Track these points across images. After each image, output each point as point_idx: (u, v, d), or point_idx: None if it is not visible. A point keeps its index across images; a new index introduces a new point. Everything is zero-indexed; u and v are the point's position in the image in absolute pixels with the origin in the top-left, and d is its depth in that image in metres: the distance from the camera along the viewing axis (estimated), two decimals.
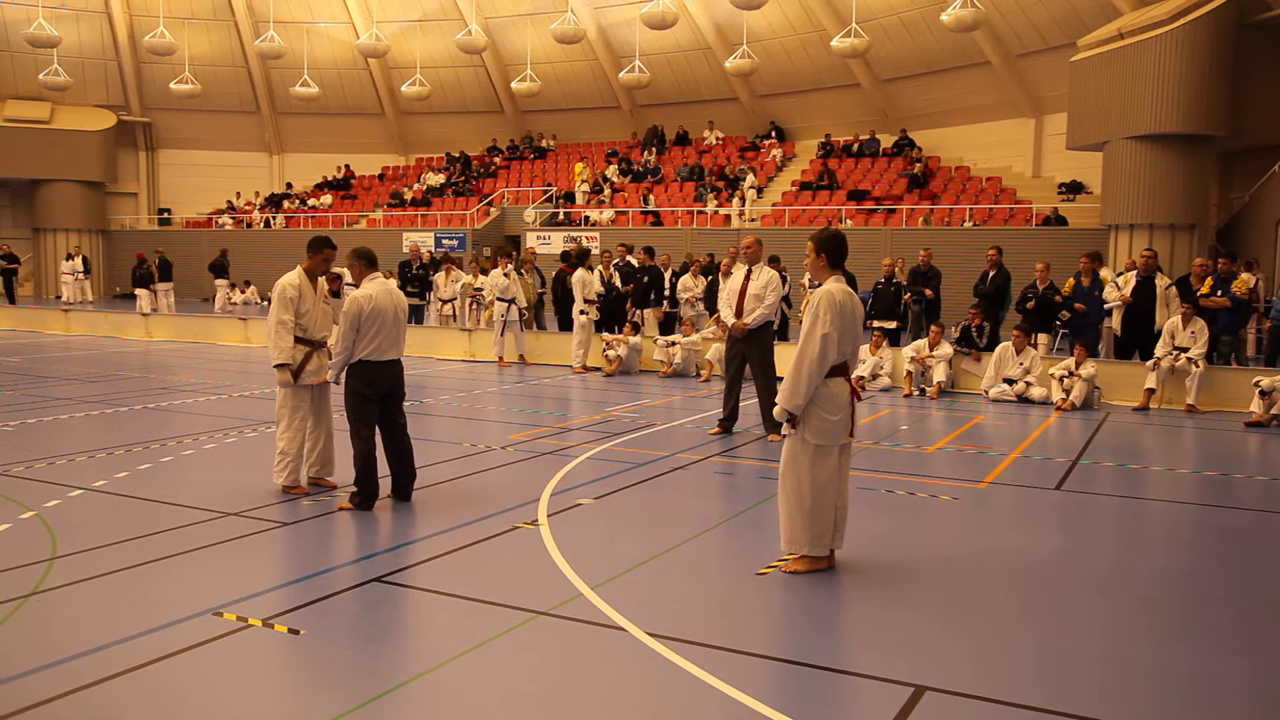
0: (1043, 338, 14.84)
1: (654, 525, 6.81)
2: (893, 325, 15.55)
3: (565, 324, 17.49)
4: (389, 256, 31.31)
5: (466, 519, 6.77)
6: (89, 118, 38.99)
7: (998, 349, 13.36)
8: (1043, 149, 29.53)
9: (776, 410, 5.75)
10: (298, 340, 7.42)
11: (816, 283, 5.95)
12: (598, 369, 15.68)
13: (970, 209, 27.03)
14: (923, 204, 27.85)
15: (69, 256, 33.58)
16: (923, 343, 13.89)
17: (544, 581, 5.51)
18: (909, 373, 13.57)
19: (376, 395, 6.99)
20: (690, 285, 17.80)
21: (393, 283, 7.18)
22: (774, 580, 5.61)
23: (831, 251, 5.82)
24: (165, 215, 41.28)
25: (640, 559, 5.95)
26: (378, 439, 7.16)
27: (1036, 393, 12.81)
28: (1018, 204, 27.07)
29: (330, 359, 7.62)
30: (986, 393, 13.21)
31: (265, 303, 32.55)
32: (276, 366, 7.37)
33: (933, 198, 28.33)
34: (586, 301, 15.71)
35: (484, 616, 4.99)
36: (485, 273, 19.24)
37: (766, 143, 34.54)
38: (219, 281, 30.09)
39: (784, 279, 15.35)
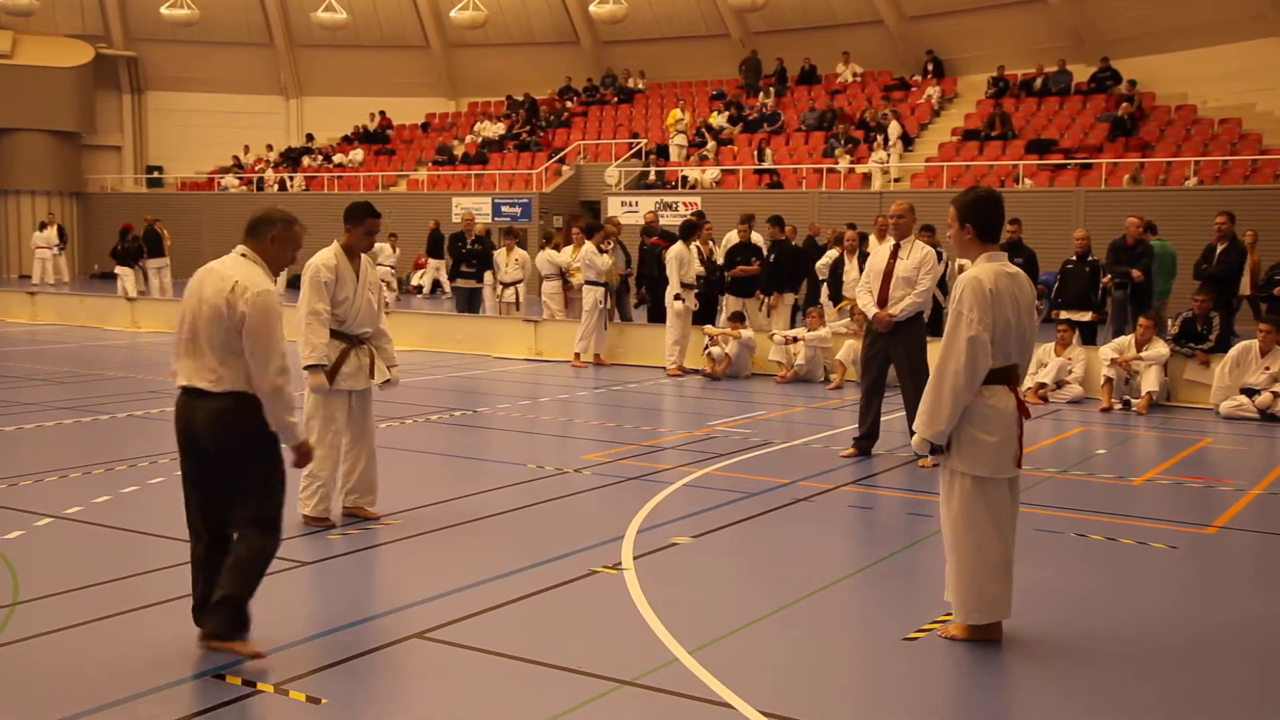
0: None
1: (770, 573, 6.80)
2: (1087, 317, 15.25)
3: (655, 313, 17.56)
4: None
5: (531, 560, 6.84)
6: (60, 51, 40.26)
7: (1233, 349, 13.02)
8: None
9: (915, 440, 5.64)
10: (333, 335, 7.54)
11: (963, 263, 5.79)
12: (698, 371, 15.72)
13: (1196, 162, 26.35)
14: (1130, 156, 27.24)
15: (42, 226, 34.74)
16: (1128, 340, 13.60)
17: (629, 642, 5.54)
18: (1108, 380, 13.31)
19: (181, 443, 5.42)
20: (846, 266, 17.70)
21: (245, 272, 5.33)
22: (927, 648, 5.56)
23: (980, 219, 5.63)
24: (156, 175, 42.52)
25: (752, 616, 5.94)
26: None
27: None
28: (1263, 154, 26.30)
29: (370, 359, 7.74)
30: (1217, 407, 12.90)
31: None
32: (308, 368, 7.46)
33: (1144, 148, 27.69)
34: (684, 285, 15.74)
35: (552, 685, 5.03)
36: (558, 248, 19.36)
37: (919, 80, 34.18)
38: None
39: (939, 256, 15.16)
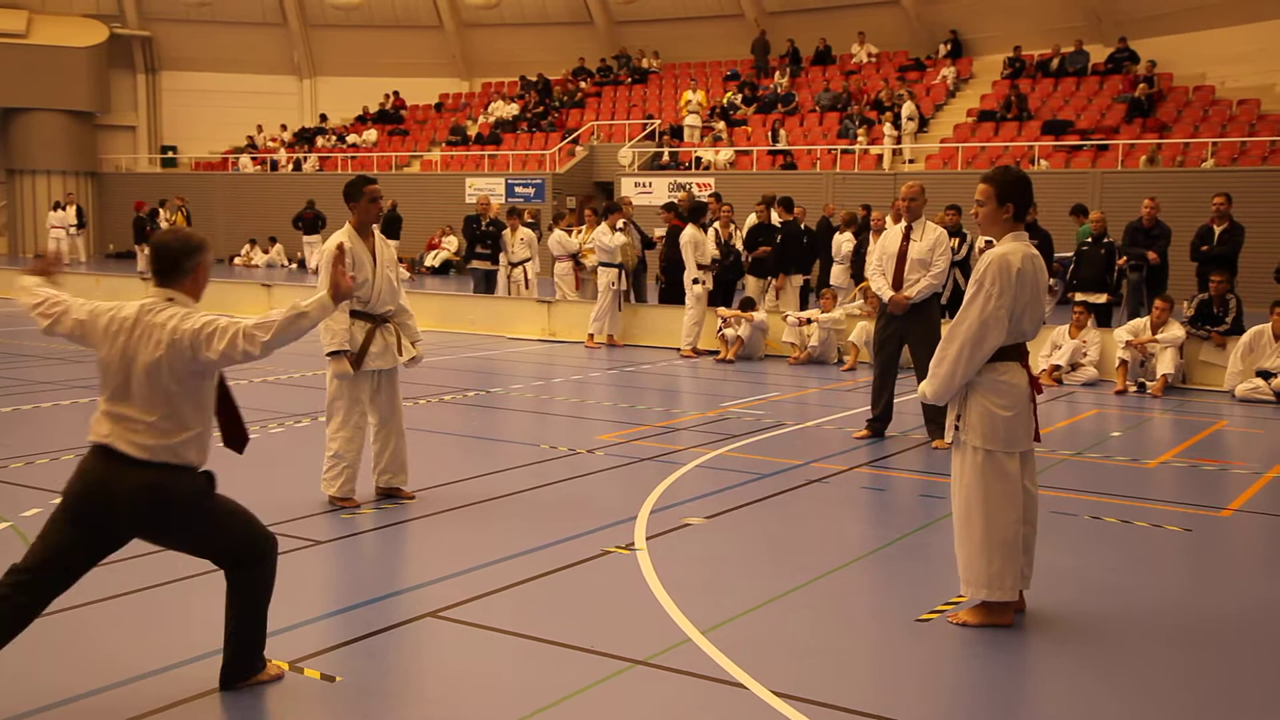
0: None
1: (782, 553, 6.81)
2: (1102, 299, 15.23)
3: (668, 295, 17.58)
4: (449, 209, 31.83)
5: (544, 540, 6.86)
6: (74, 31, 40.35)
7: (1246, 334, 12.98)
8: None
9: (920, 391, 5.81)
10: (355, 316, 7.55)
11: (989, 240, 5.86)
12: (712, 353, 15.72)
13: (1213, 143, 26.21)
14: (1147, 138, 27.11)
15: (57, 206, 34.94)
16: (1143, 322, 13.57)
17: (642, 622, 5.56)
18: (1123, 362, 13.28)
19: (69, 517, 4.50)
20: (851, 243, 17.80)
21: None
22: (939, 630, 5.57)
23: (1020, 199, 5.71)
24: (170, 155, 42.61)
25: (765, 596, 5.96)
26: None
27: None
28: None
29: (396, 337, 7.73)
30: (1233, 391, 12.86)
31: (294, 265, 33.46)
32: (331, 355, 7.43)
33: (1161, 129, 27.55)
34: (700, 267, 15.75)
35: (565, 665, 5.06)
36: (569, 229, 19.39)
37: (935, 60, 34.00)
38: (309, 239, 31.04)
39: (963, 238, 15.16)
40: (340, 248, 5.63)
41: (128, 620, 5.55)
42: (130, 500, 4.41)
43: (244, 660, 4.72)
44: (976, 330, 5.47)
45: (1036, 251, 5.72)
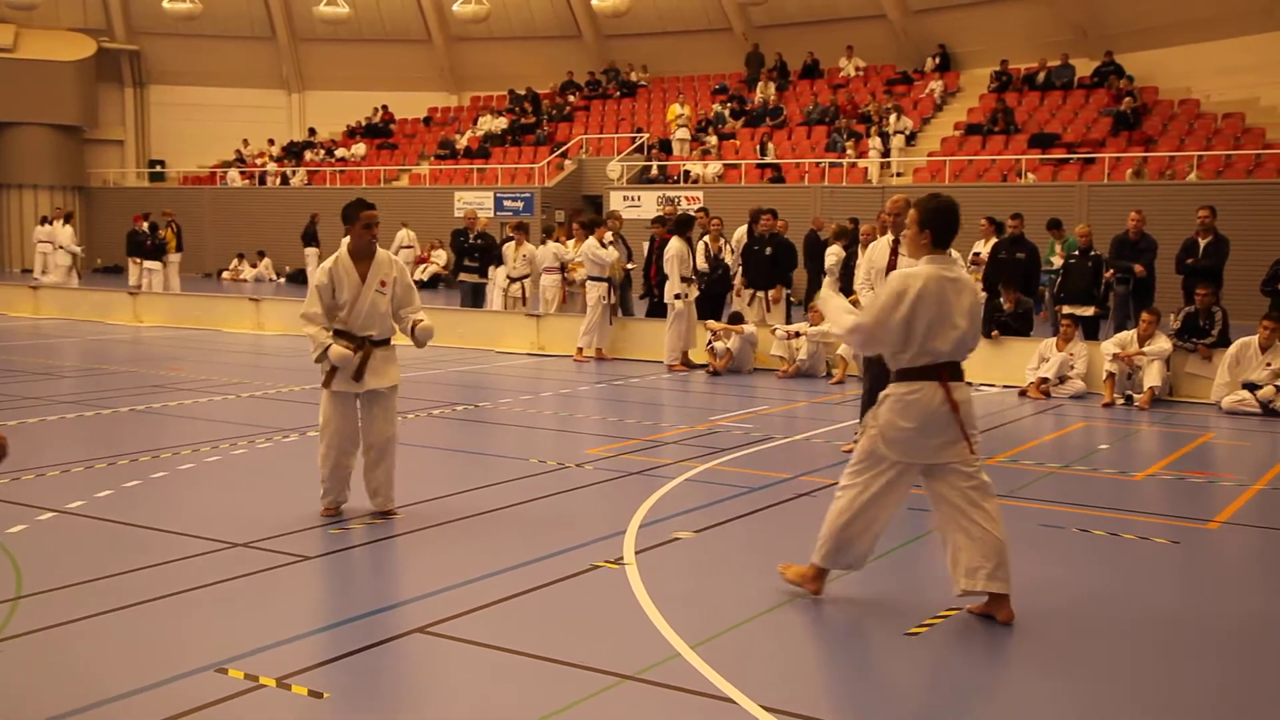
0: None
1: (772, 568, 6.78)
2: (1089, 312, 15.25)
3: (657, 308, 17.55)
4: (439, 222, 31.86)
5: (532, 555, 6.85)
6: (62, 45, 40.37)
7: (1232, 346, 13.01)
8: None
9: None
10: (338, 334, 7.56)
11: (912, 260, 6.03)
12: (700, 366, 15.73)
13: (1198, 157, 26.34)
14: (1133, 151, 27.23)
15: (44, 220, 34.87)
16: (1130, 335, 13.60)
17: (631, 636, 5.55)
18: (1110, 375, 13.30)
19: None
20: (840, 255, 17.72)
21: None
22: (928, 643, 5.57)
23: (939, 227, 5.86)
24: (158, 169, 42.59)
25: (754, 611, 5.95)
26: None
27: None
28: (1267, 149, 26.27)
29: (387, 362, 7.68)
30: (1219, 403, 12.90)
31: (281, 280, 33.44)
32: (320, 360, 7.51)
33: (1147, 142, 27.67)
34: (684, 280, 15.75)
35: (554, 680, 5.05)
36: (559, 243, 19.41)
37: (922, 74, 34.11)
38: (310, 250, 30.96)
39: None
40: None
41: (117, 637, 5.53)
42: None
43: None
44: (871, 328, 5.82)
45: (960, 275, 5.91)
